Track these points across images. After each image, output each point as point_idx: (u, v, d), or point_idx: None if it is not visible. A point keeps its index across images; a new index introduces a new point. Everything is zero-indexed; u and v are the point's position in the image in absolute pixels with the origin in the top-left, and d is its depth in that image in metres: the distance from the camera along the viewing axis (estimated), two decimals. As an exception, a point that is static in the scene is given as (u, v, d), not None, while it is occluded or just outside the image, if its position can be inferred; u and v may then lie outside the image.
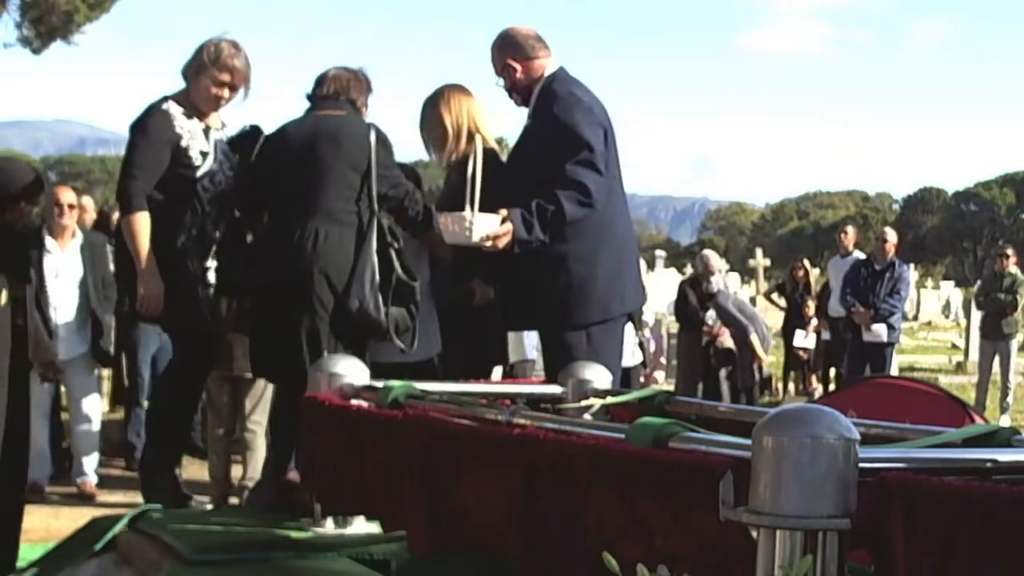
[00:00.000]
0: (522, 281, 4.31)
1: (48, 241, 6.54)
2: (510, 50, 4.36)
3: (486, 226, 3.97)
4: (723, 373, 10.75)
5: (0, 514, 4.34)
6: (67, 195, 6.75)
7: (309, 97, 4.47)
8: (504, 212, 4.04)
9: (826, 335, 12.44)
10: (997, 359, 12.00)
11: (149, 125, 4.36)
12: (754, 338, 10.50)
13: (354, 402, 3.36)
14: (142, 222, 4.25)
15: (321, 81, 4.46)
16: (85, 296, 6.72)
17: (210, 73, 4.38)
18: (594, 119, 4.18)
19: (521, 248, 4.08)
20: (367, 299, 4.11)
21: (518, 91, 4.36)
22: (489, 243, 4.01)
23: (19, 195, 4.43)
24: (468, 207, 3.99)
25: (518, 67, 4.32)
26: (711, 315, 10.79)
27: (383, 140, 4.29)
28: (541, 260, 4.17)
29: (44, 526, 5.60)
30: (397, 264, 4.17)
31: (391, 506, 3.08)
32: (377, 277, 4.14)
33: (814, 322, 12.82)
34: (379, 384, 3.37)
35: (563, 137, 4.14)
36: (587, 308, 4.20)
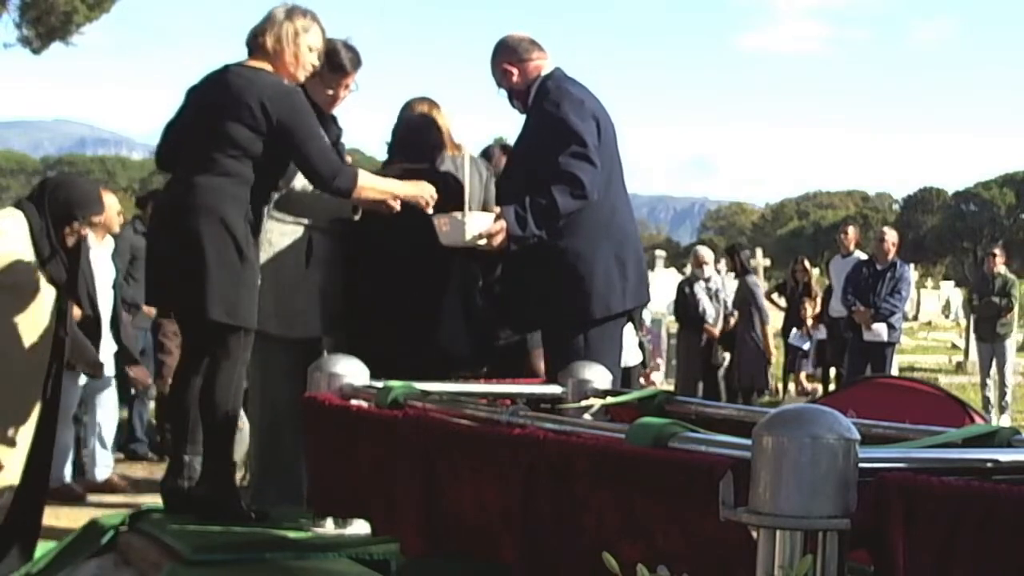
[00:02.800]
0: (521, 279, 4.31)
1: (91, 238, 6.67)
2: (504, 55, 4.37)
3: (479, 225, 4.01)
4: (724, 364, 10.81)
5: (23, 513, 4.45)
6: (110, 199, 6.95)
7: (389, 147, 4.58)
8: (497, 210, 4.06)
9: (820, 335, 12.47)
10: (995, 360, 12.02)
11: (300, 100, 3.96)
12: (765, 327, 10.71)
13: (353, 402, 3.36)
14: (367, 175, 4.02)
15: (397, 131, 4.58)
16: (116, 296, 6.86)
17: (305, 40, 4.02)
18: (584, 112, 4.17)
19: (516, 244, 4.10)
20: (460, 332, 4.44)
21: (517, 96, 4.36)
22: (483, 242, 4.03)
23: (76, 213, 4.57)
24: (464, 209, 4.04)
25: (514, 70, 4.33)
26: (711, 313, 10.80)
27: (485, 180, 4.49)
28: (540, 258, 4.17)
29: (44, 526, 5.59)
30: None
31: (387, 507, 3.08)
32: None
33: (809, 322, 12.84)
34: (379, 384, 3.37)
35: (554, 132, 4.14)
36: (587, 305, 4.19)
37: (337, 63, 4.34)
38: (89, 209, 4.66)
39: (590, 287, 4.19)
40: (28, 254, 4.47)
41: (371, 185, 4.01)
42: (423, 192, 4.12)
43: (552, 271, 4.19)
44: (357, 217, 4.27)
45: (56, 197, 4.59)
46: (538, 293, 4.24)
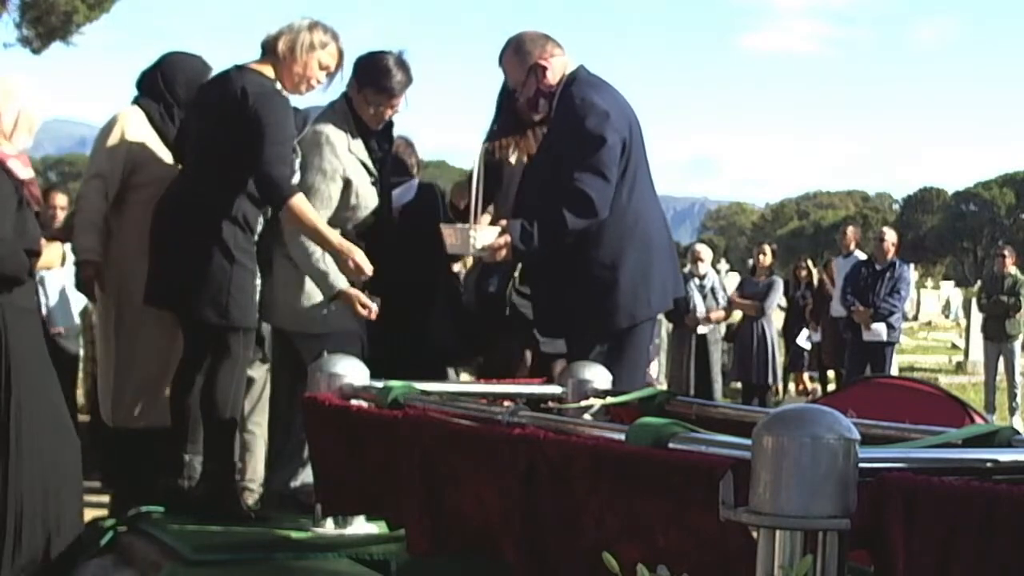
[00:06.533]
0: (547, 290, 4.25)
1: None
2: (536, 48, 4.16)
3: (485, 238, 3.97)
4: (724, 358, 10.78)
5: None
6: (61, 198, 6.91)
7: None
8: (504, 223, 4.01)
9: (816, 337, 12.46)
10: (1001, 360, 12.00)
11: (281, 104, 3.96)
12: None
13: (354, 402, 3.36)
14: (307, 203, 3.94)
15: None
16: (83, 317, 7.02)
17: (317, 55, 4.03)
18: (609, 125, 4.01)
19: (520, 258, 4.09)
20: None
21: (545, 95, 4.16)
22: (486, 254, 4.00)
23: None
24: (471, 219, 4.03)
25: (547, 64, 4.12)
26: (700, 308, 10.74)
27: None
28: (565, 268, 4.11)
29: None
30: None
31: (390, 507, 3.08)
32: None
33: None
34: (379, 384, 3.37)
35: (573, 144, 4.02)
36: (613, 316, 4.10)
37: (385, 86, 4.19)
38: (205, 73, 4.51)
39: (615, 298, 4.09)
40: (154, 145, 4.45)
41: (304, 212, 3.91)
42: (354, 259, 3.99)
43: (577, 282, 4.12)
44: None
45: (172, 78, 4.54)
46: (563, 304, 4.17)
